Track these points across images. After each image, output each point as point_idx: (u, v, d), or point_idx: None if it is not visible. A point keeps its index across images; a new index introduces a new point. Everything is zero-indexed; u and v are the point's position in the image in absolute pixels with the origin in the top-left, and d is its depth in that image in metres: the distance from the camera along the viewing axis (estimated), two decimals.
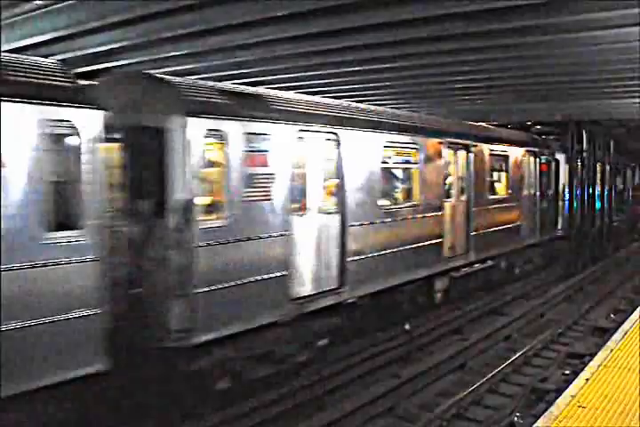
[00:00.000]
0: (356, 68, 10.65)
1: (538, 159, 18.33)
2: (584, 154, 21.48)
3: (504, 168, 16.33)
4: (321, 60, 10.02)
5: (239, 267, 8.24)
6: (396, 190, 12.33)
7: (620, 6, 6.94)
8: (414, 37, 8.56)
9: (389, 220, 11.22)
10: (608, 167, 24.31)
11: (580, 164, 21.42)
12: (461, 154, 14.00)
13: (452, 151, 13.57)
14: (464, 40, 8.68)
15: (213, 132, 8.04)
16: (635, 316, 9.48)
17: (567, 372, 10.19)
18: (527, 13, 7.40)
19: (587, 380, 6.48)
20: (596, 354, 7.63)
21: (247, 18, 7.68)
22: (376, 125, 11.12)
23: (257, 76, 11.31)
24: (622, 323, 9.40)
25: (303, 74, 11.17)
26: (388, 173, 11.67)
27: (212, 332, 7.88)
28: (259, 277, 8.48)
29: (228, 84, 9.64)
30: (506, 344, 12.17)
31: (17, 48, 8.99)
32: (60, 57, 9.38)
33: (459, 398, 8.94)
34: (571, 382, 6.63)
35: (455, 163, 13.79)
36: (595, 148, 22.42)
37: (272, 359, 9.02)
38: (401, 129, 11.84)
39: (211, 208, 8.16)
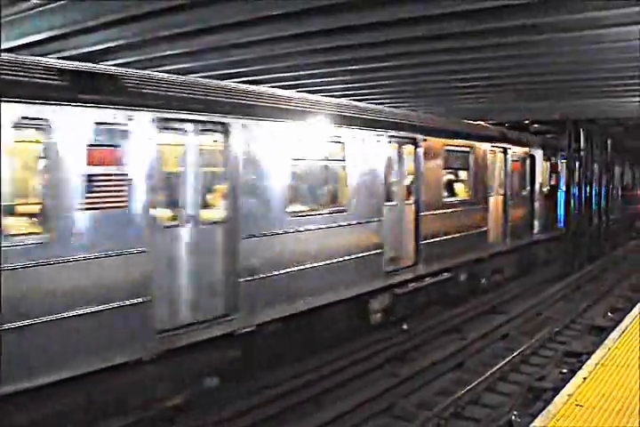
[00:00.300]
0: (354, 67, 10.66)
1: (508, 156, 16.24)
2: (568, 152, 20.31)
3: (465, 166, 14.17)
4: (318, 59, 10.02)
5: (72, 294, 6.43)
6: (316, 193, 10.03)
7: (619, 5, 6.94)
8: (412, 36, 8.58)
9: (303, 229, 9.14)
10: (595, 165, 22.75)
11: (561, 161, 20.14)
12: (408, 149, 11.81)
13: (395, 146, 11.43)
14: (462, 39, 8.69)
15: (31, 122, 6.24)
16: (632, 314, 9.48)
17: (565, 371, 10.17)
18: (525, 12, 7.41)
19: (584, 379, 6.47)
20: (593, 353, 7.62)
21: (242, 17, 7.70)
22: (285, 114, 8.94)
23: (255, 75, 11.31)
24: (620, 321, 9.40)
25: (301, 73, 11.18)
26: (302, 173, 9.55)
27: (32, 377, 6.08)
28: (104, 307, 6.69)
29: (65, 61, 7.45)
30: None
31: (13, 47, 8.99)
32: (56, 56, 9.39)
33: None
34: (568, 381, 6.62)
35: (399, 160, 11.63)
36: (591, 146, 22.07)
37: (131, 405, 7.31)
38: (321, 119, 9.60)
39: (25, 219, 6.51)
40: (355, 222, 10.25)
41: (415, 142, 11.91)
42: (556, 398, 6.01)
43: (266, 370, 9.13)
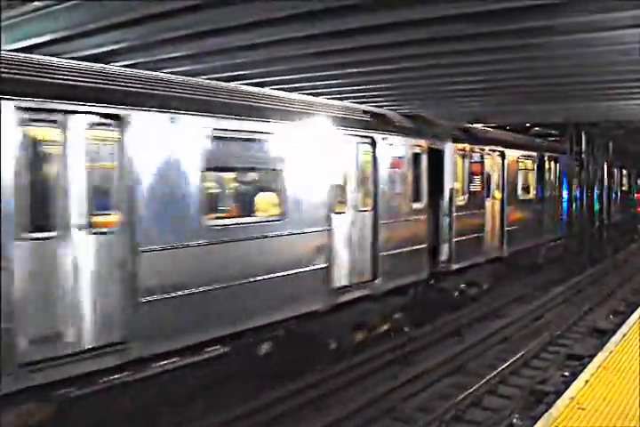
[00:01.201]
0: (359, 70, 10.66)
1: (379, 150, 10.85)
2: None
3: (272, 165, 8.92)
4: (322, 62, 10.03)
5: None
6: None
7: (623, 7, 6.94)
8: (417, 39, 8.59)
9: None
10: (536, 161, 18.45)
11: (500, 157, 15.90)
12: (96, 134, 6.75)
13: (53, 127, 6.38)
14: (465, 42, 8.69)
15: None
16: (634, 317, 9.48)
17: (566, 373, 10.16)
18: (529, 15, 7.41)
19: (586, 382, 6.48)
20: (595, 356, 7.62)
21: (246, 20, 7.71)
22: None
23: (260, 78, 11.32)
24: (621, 325, 9.41)
25: (305, 75, 11.17)
26: None
27: None
28: None
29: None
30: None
31: (16, 49, 9.01)
32: (63, 57, 9.43)
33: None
34: (570, 384, 6.62)
35: (68, 152, 6.43)
36: (592, 149, 21.62)
37: None
38: None
39: None
40: None
41: (120, 122, 6.89)
42: (557, 402, 6.03)
43: None
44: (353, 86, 12.67)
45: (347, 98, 13.64)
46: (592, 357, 7.91)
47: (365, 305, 10.45)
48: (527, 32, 8.17)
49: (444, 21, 7.73)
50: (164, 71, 10.17)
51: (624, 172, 33.50)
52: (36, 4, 7.52)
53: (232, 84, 9.81)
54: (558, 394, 6.89)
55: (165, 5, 7.34)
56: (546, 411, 5.98)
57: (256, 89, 9.93)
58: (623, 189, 32.55)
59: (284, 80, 11.59)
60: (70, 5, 7.57)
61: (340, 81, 11.90)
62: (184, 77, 8.77)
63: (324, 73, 10.99)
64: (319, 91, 12.82)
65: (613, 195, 27.65)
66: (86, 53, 9.19)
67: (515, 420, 8.33)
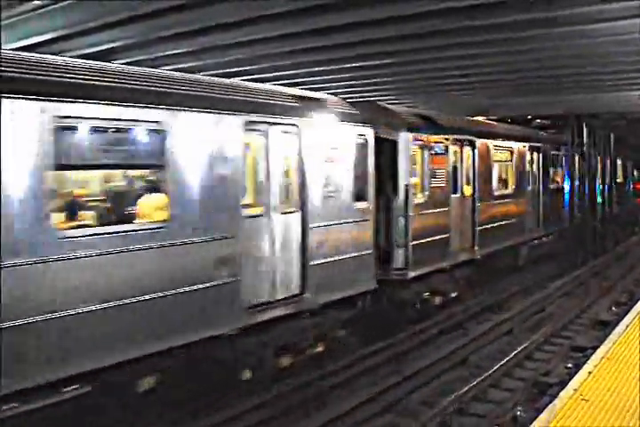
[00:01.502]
0: (353, 65, 10.65)
1: (304, 140, 9.15)
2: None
3: (159, 162, 7.28)
4: (314, 58, 10.04)
5: None
6: None
7: None
8: (411, 33, 8.59)
9: None
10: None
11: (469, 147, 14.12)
12: None
13: None
14: (462, 35, 8.68)
15: None
16: (636, 308, 9.50)
17: (570, 365, 10.19)
18: (527, 7, 7.40)
19: (589, 373, 6.50)
20: (598, 347, 7.65)
21: (239, 17, 7.73)
22: None
23: (256, 73, 11.32)
24: (624, 316, 9.44)
25: (299, 71, 11.17)
26: None
27: None
28: None
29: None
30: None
31: (15, 48, 9.01)
32: (61, 55, 9.43)
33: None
34: (573, 376, 6.65)
35: None
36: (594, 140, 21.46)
37: None
38: None
39: None
40: None
41: None
42: (561, 393, 6.05)
43: None
44: (348, 81, 12.64)
45: (344, 93, 13.63)
46: (595, 348, 7.94)
47: (293, 324, 8.75)
48: (524, 25, 8.14)
49: (440, 15, 7.72)
50: (167, 68, 10.19)
51: (619, 162, 33.31)
52: (35, 2, 7.52)
53: (100, 63, 7.77)
54: (562, 386, 6.93)
55: (153, 5, 7.35)
56: (550, 403, 6.01)
57: (129, 67, 8.18)
58: (618, 180, 32.43)
59: (282, 76, 11.59)
60: (69, 4, 7.57)
61: (333, 76, 11.87)
62: (18, 53, 6.96)
63: (317, 68, 10.96)
64: (317, 86, 12.83)
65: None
66: (87, 52, 9.21)
67: (518, 412, 8.36)
